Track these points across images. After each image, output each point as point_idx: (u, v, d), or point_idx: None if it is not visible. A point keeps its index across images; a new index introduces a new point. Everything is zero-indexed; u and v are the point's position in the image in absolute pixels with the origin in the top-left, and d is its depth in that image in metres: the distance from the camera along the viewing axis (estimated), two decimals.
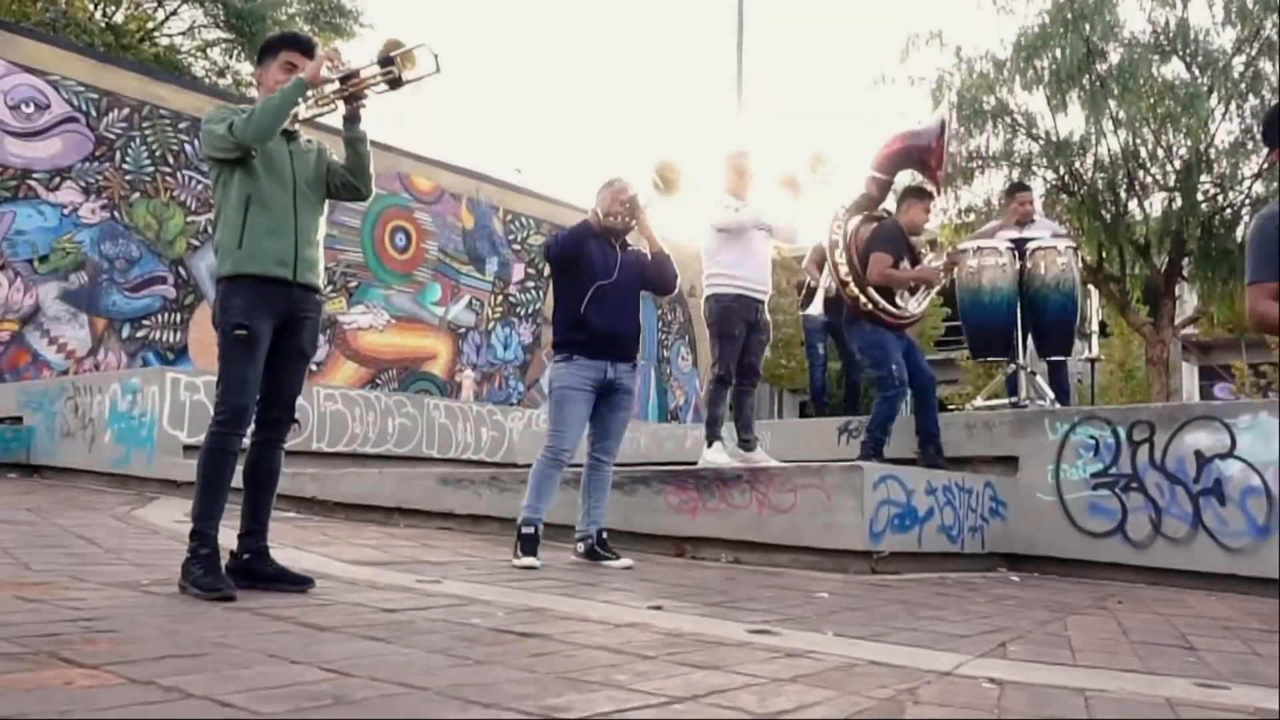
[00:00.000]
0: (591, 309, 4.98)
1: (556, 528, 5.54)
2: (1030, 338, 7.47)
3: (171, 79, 15.20)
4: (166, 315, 13.53)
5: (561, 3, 72.09)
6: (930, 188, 6.76)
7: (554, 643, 2.83)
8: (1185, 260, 14.50)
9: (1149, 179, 14.32)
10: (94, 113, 13.08)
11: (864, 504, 5.08)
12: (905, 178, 8.19)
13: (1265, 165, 13.35)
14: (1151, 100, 13.17)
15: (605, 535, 5.15)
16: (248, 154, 3.51)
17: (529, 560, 4.74)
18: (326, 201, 3.83)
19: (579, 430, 5.05)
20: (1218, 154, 13.70)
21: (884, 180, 6.89)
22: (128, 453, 8.94)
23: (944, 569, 5.59)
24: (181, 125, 13.80)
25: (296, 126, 3.69)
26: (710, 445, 6.28)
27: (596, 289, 5.00)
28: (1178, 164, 13.97)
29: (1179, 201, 13.76)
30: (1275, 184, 12.78)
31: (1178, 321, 15.19)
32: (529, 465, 5.20)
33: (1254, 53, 13.42)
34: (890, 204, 7.23)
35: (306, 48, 3.73)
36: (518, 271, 18.04)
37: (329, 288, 14.81)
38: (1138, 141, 13.88)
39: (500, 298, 17.53)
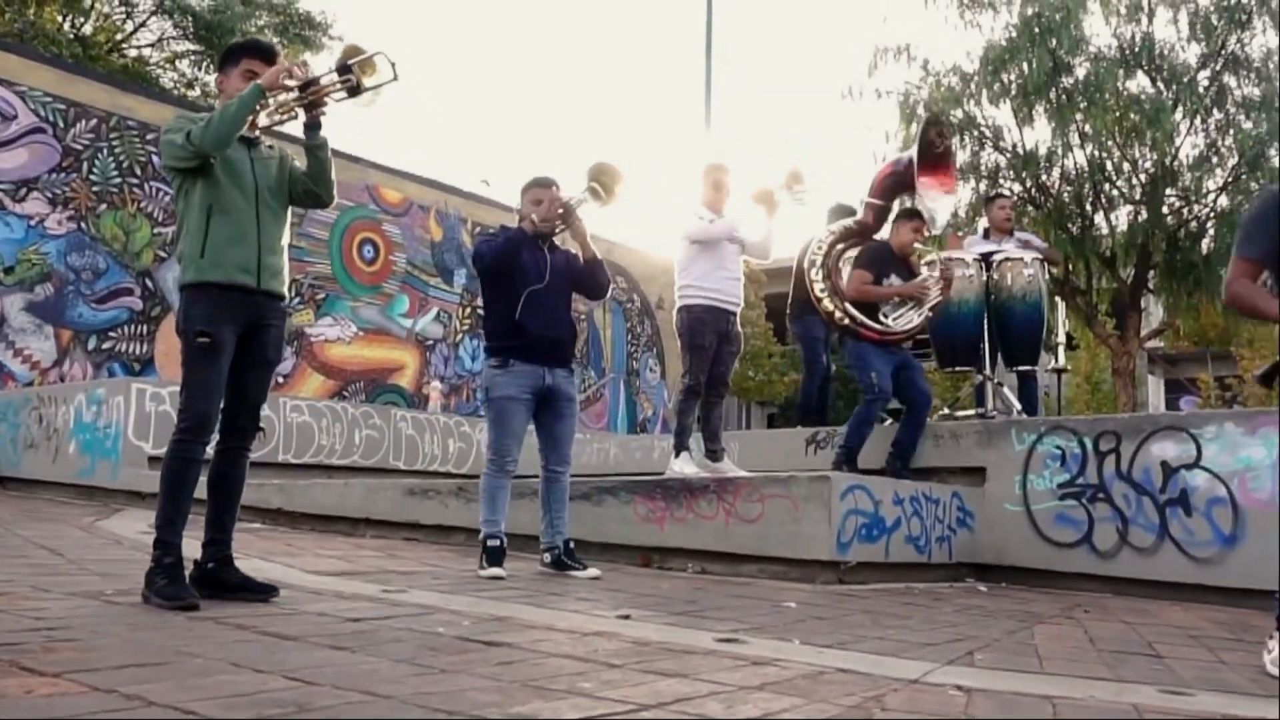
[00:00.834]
0: (526, 314, 4.90)
1: (524, 538, 5.52)
2: (998, 349, 7.52)
3: (140, 90, 15.09)
4: (133, 327, 13.40)
5: (530, 17, 72.23)
6: (923, 206, 6.72)
7: (520, 651, 2.82)
8: (1151, 273, 14.65)
9: (1115, 192, 14.47)
10: (61, 124, 12.96)
11: (831, 514, 5.08)
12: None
13: (1230, 179, 13.55)
14: (1117, 114, 13.31)
15: (572, 545, 5.11)
16: (207, 162, 3.49)
17: (495, 570, 4.71)
18: (290, 209, 3.81)
19: (521, 438, 4.98)
20: (1182, 168, 13.86)
21: (879, 205, 6.90)
22: (93, 464, 8.85)
23: (911, 579, 5.59)
24: (149, 136, 13.67)
25: (257, 134, 3.67)
26: (678, 455, 6.28)
27: (529, 294, 4.92)
28: (1143, 177, 14.13)
29: (1145, 214, 13.91)
30: (1240, 198, 12.98)
31: (1144, 334, 15.34)
32: None
33: (1218, 68, 13.60)
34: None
35: (268, 55, 3.71)
36: None
37: (296, 299, 14.72)
38: (1104, 155, 14.02)
39: (468, 310, 17.47)
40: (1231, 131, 13.36)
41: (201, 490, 3.57)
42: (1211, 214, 13.99)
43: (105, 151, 13.36)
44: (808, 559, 5.15)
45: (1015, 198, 13.00)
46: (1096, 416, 6.64)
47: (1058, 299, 9.02)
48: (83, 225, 13.00)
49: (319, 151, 3.72)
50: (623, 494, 5.83)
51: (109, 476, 8.62)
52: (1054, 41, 13.40)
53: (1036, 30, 13.46)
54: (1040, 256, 7.66)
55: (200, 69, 22.39)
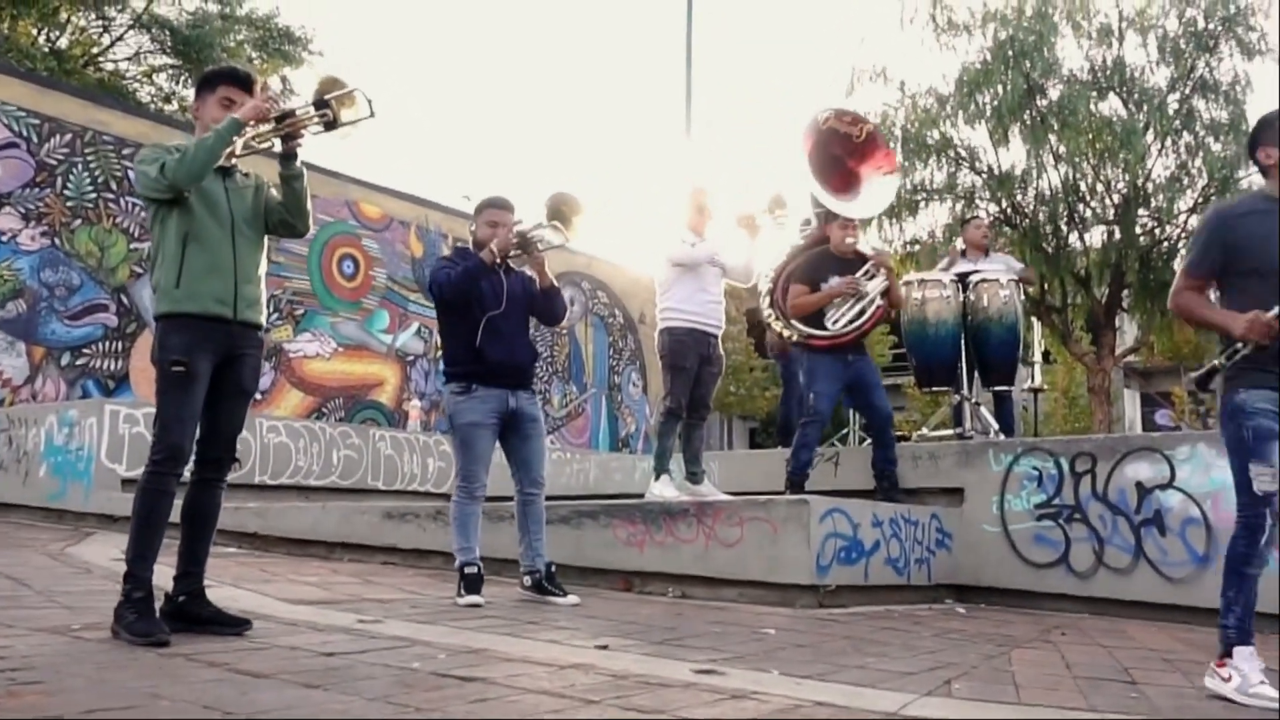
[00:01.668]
0: (487, 341, 4.86)
1: (502, 562, 5.49)
2: (975, 369, 7.56)
3: (115, 104, 14.98)
4: (107, 344, 13.27)
5: (511, 32, 72.34)
6: (838, 206, 6.69)
7: (496, 687, 2.79)
8: (1125, 292, 14.79)
9: (1089, 212, 14.64)
10: (35, 138, 12.85)
11: (810, 538, 5.08)
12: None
13: (1201, 200, 13.71)
14: (1090, 136, 13.49)
15: (554, 568, 5.07)
16: (182, 194, 3.46)
17: (473, 599, 4.67)
18: (266, 236, 3.78)
19: (488, 462, 4.95)
20: (1154, 188, 14.04)
21: (821, 213, 6.94)
22: (64, 487, 8.74)
23: (890, 601, 5.60)
24: (125, 151, 13.58)
25: (233, 162, 3.64)
26: (658, 478, 6.26)
27: (488, 320, 4.88)
28: (1116, 198, 14.32)
29: (1118, 234, 14.06)
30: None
31: (1118, 351, 15.47)
32: None
33: (1187, 91, 13.81)
34: None
35: (245, 82, 3.68)
36: None
37: (275, 315, 14.64)
38: (1077, 176, 14.20)
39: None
40: (1201, 153, 13.56)
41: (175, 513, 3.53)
42: (1183, 234, 14.17)
43: (80, 166, 13.25)
44: (787, 583, 5.14)
45: (991, 218, 13.13)
46: (1072, 438, 6.66)
47: (1033, 319, 9.08)
48: (56, 241, 12.88)
49: (295, 182, 3.70)
50: (602, 517, 5.80)
51: (80, 499, 8.52)
52: (1027, 65, 13.60)
53: (1010, 54, 13.65)
54: (1016, 277, 7.71)
55: (178, 83, 22.25)
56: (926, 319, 7.37)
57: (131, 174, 13.40)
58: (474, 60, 74.04)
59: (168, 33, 21.12)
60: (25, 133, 12.76)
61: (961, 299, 7.45)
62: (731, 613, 4.86)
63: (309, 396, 15.34)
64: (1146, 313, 14.66)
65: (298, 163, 3.69)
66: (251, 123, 3.49)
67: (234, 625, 3.51)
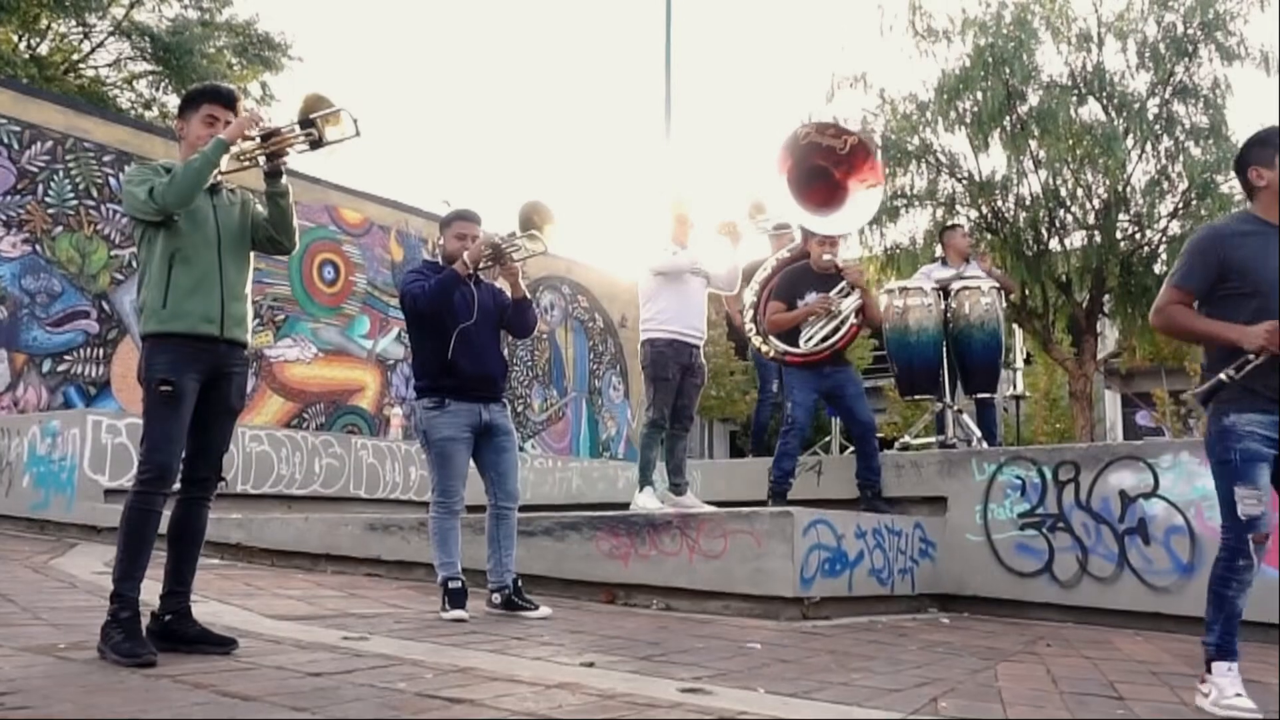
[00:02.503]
0: (458, 353, 4.86)
1: (481, 573, 5.48)
2: (957, 377, 7.58)
3: (96, 111, 14.90)
4: (89, 350, 13.18)
5: (489, 38, 72.27)
6: (816, 223, 6.70)
7: (483, 709, 2.79)
8: (1106, 296, 14.87)
9: (1069, 217, 14.70)
10: (16, 145, 12.77)
11: (794, 550, 5.09)
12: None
13: (1181, 205, 13.79)
14: (1070, 141, 13.54)
15: (520, 583, 5.05)
16: (171, 217, 3.45)
17: (457, 613, 4.67)
18: (252, 254, 3.77)
19: (465, 476, 4.95)
20: (1134, 193, 14.12)
21: (804, 229, 6.96)
22: (47, 497, 8.69)
23: (875, 612, 5.61)
24: (106, 158, 13.51)
25: (219, 179, 3.63)
26: (642, 490, 6.28)
27: (460, 332, 4.88)
28: (1097, 203, 14.38)
29: (1099, 239, 14.13)
30: (1190, 223, 13.23)
31: (1100, 356, 15.56)
32: None
33: (1167, 95, 13.90)
34: None
35: (228, 100, 3.68)
36: None
37: (256, 321, 14.57)
38: (1058, 181, 14.25)
39: None
40: (1181, 158, 13.64)
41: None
42: (1163, 239, 14.25)
43: (61, 173, 13.17)
44: (771, 595, 5.15)
45: (971, 224, 13.18)
46: (1055, 446, 6.69)
47: (1015, 325, 9.12)
48: (38, 248, 12.80)
49: (280, 199, 3.70)
50: (586, 530, 5.80)
51: (63, 510, 8.48)
52: (1007, 71, 13.65)
53: (990, 60, 13.70)
54: (998, 285, 7.74)
55: (158, 90, 22.17)
56: (908, 327, 7.39)
57: (114, 180, 13.36)
58: (454, 63, 73.92)
59: (148, 39, 21.03)
60: (6, 140, 12.67)
61: (943, 306, 7.48)
62: (716, 626, 4.87)
63: (290, 402, 15.28)
64: (1127, 317, 14.74)
65: (283, 180, 3.69)
66: (237, 142, 3.49)
67: (220, 644, 3.51)
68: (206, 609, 4.41)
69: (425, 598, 5.40)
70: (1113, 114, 13.96)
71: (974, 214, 14.85)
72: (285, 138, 3.61)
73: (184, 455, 3.52)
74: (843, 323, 6.36)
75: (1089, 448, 6.18)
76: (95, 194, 13.43)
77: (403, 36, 70.17)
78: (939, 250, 8.74)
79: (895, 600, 5.86)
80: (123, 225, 13.34)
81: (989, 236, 14.64)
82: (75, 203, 13.24)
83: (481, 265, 4.97)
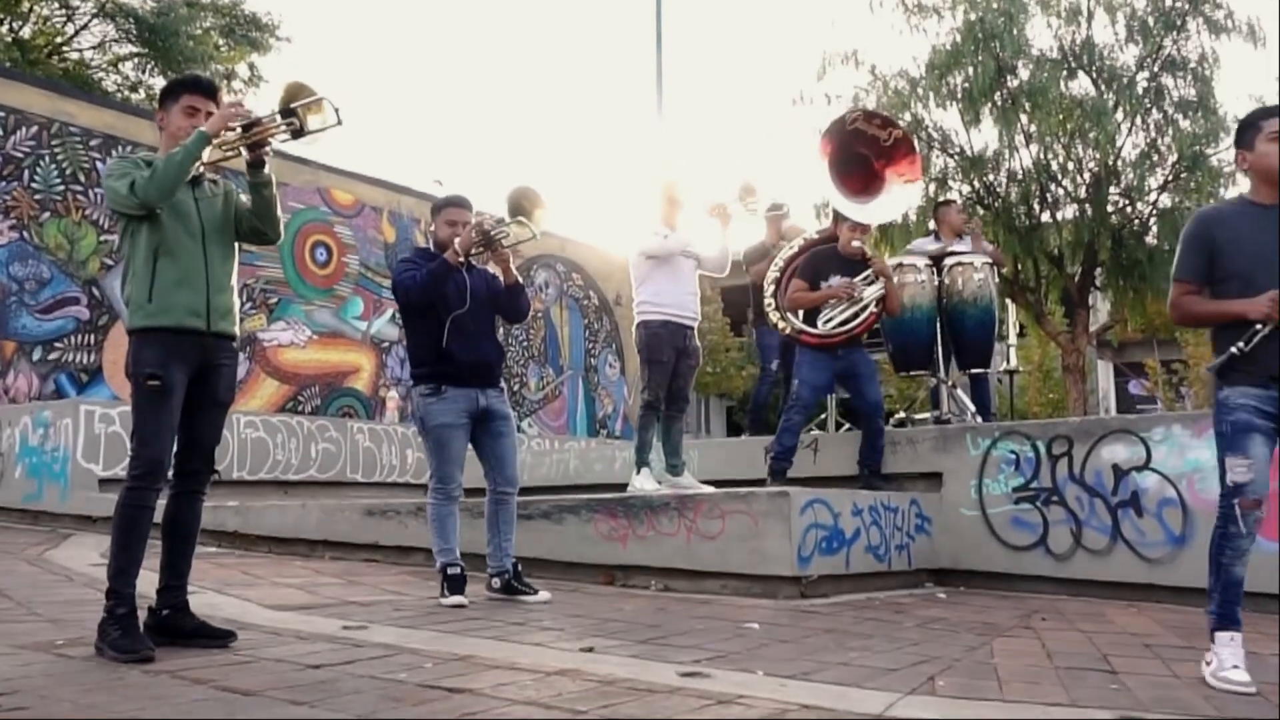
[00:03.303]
0: (453, 341, 4.86)
1: (480, 557, 5.49)
2: (951, 352, 7.60)
3: (81, 95, 14.79)
4: (80, 336, 13.14)
5: (478, 15, 71.82)
6: (851, 209, 6.73)
7: (483, 699, 2.79)
8: (1097, 270, 14.90)
9: (1060, 191, 14.72)
10: (1, 131, 12.69)
11: (791, 529, 5.11)
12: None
13: (1171, 178, 13.82)
14: (1061, 115, 13.55)
15: (520, 567, 5.06)
16: (153, 212, 3.43)
17: (456, 599, 4.69)
18: (237, 245, 3.75)
19: (462, 462, 4.96)
20: (1125, 166, 14.12)
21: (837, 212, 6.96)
22: (40, 488, 8.69)
23: (872, 588, 5.64)
24: (92, 142, 13.43)
25: (201, 170, 3.60)
26: (639, 471, 6.29)
27: (453, 319, 4.87)
28: (1087, 176, 14.40)
29: (1090, 213, 14.15)
30: (1179, 198, 13.26)
31: (1092, 329, 15.60)
32: None
33: (1156, 69, 13.90)
34: None
35: (208, 91, 3.65)
36: None
37: (248, 304, 14.54)
38: (1049, 155, 14.28)
39: None
40: (1170, 131, 13.65)
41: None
42: (1154, 211, 14.28)
43: (47, 159, 13.09)
44: (769, 574, 5.17)
45: (963, 199, 13.18)
46: (1049, 421, 6.71)
47: (1008, 300, 9.13)
48: (25, 234, 12.73)
49: (264, 190, 3.68)
50: (584, 512, 5.82)
51: (57, 500, 8.48)
52: (997, 45, 13.64)
53: (980, 35, 13.69)
54: (990, 260, 7.74)
55: (144, 72, 22.00)
56: (902, 303, 7.38)
57: (100, 165, 13.28)
58: (444, 42, 73.49)
59: (132, 21, 20.84)
60: None
61: (936, 282, 7.49)
62: (714, 606, 4.89)
63: (285, 385, 15.25)
64: (1119, 290, 14.78)
65: (266, 171, 3.67)
66: (219, 133, 3.47)
67: (219, 638, 3.51)
68: (204, 600, 4.42)
69: (424, 583, 5.41)
70: (1102, 88, 13.96)
71: (966, 189, 14.86)
72: (266, 128, 3.58)
73: (175, 449, 3.51)
74: (863, 309, 6.37)
75: (1082, 422, 6.21)
76: (82, 179, 13.35)
77: (391, 15, 69.74)
78: (932, 224, 8.73)
79: (892, 576, 5.89)
80: (111, 211, 13.26)
81: (981, 211, 14.65)
82: (62, 188, 13.17)
83: (473, 252, 4.96)
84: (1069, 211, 14.80)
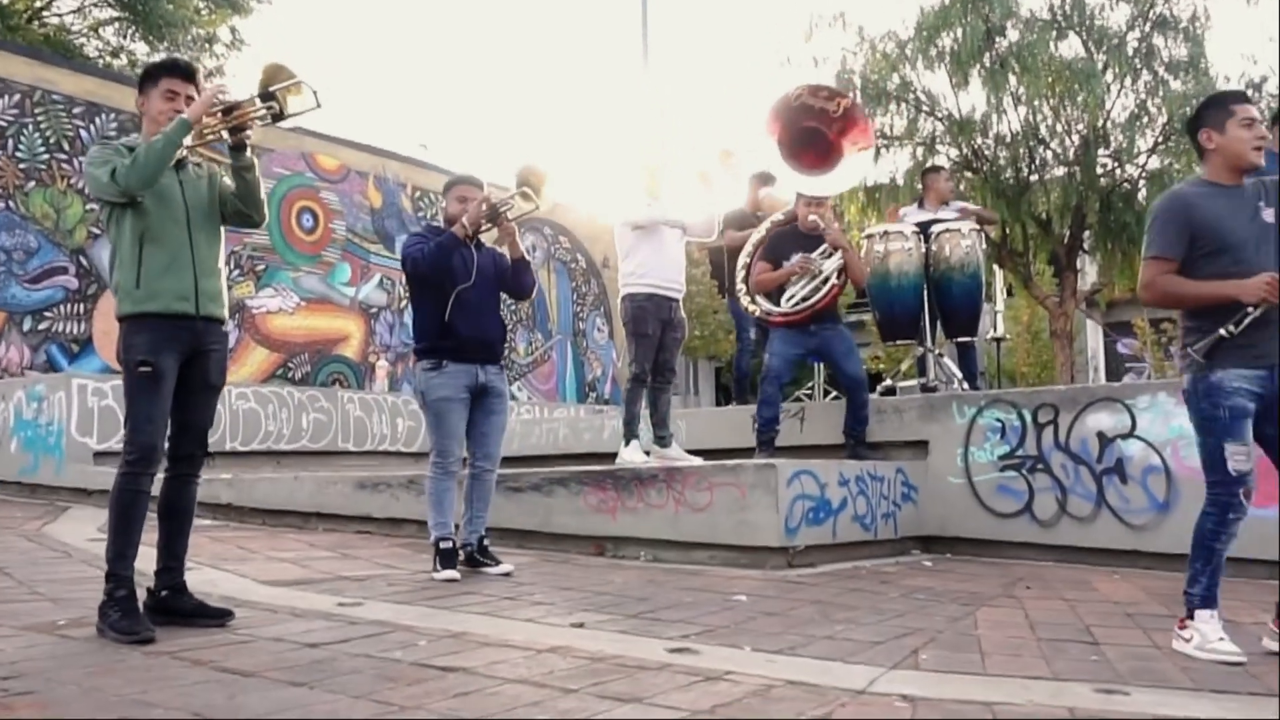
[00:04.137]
0: (456, 316, 4.93)
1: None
2: (938, 320, 7.65)
3: (63, 62, 14.65)
4: (69, 306, 13.11)
5: None
6: (804, 184, 6.71)
7: (476, 678, 2.86)
8: (1086, 233, 14.93)
9: (1049, 154, 14.71)
10: None
11: (779, 501, 5.18)
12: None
13: (1160, 139, 13.82)
14: (1050, 78, 13.51)
15: (486, 541, 5.14)
16: (135, 199, 3.45)
17: (449, 574, 4.76)
18: (223, 228, 3.77)
19: (462, 436, 5.02)
20: (1114, 129, 14.11)
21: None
22: (35, 461, 8.73)
23: (859, 557, 5.71)
24: (76, 110, 13.34)
25: (184, 154, 3.62)
26: (627, 444, 6.35)
27: (458, 294, 4.94)
28: (1076, 139, 14.38)
29: (1078, 176, 14.15)
30: (1169, 160, 13.25)
31: (1081, 291, 15.66)
32: None
33: (1147, 28, 13.83)
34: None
35: (186, 73, 3.66)
36: None
37: (235, 271, 14.51)
38: (1037, 118, 14.26)
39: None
40: (1160, 92, 13.63)
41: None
42: (1143, 174, 14.28)
43: (31, 127, 13.00)
44: (757, 545, 5.24)
45: (951, 163, 13.17)
46: (1034, 389, 6.77)
47: (995, 265, 9.17)
48: (11, 204, 12.67)
49: (247, 173, 3.70)
50: (573, 485, 5.88)
51: (53, 473, 8.53)
52: (986, 7, 13.58)
53: None
54: (978, 227, 7.76)
55: (125, 37, 21.75)
56: (889, 271, 7.42)
57: (84, 133, 13.20)
58: (427, 2, 72.69)
59: None
60: None
61: (923, 250, 7.51)
62: (703, 577, 4.96)
63: (274, 353, 15.25)
64: (1107, 253, 14.82)
65: (248, 153, 3.69)
66: (200, 119, 3.48)
67: (217, 617, 3.58)
68: (202, 576, 4.49)
69: (417, 556, 5.48)
70: (1092, 49, 13.92)
71: (954, 153, 14.86)
72: (247, 112, 3.60)
73: (168, 434, 3.55)
74: (824, 283, 6.40)
75: (1067, 390, 6.27)
76: (66, 147, 13.27)
77: None
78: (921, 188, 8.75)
79: (879, 545, 5.96)
80: (94, 198, 13.17)
81: (969, 175, 14.66)
82: (46, 157, 13.09)
83: (483, 228, 5.04)
84: (1057, 174, 14.81)
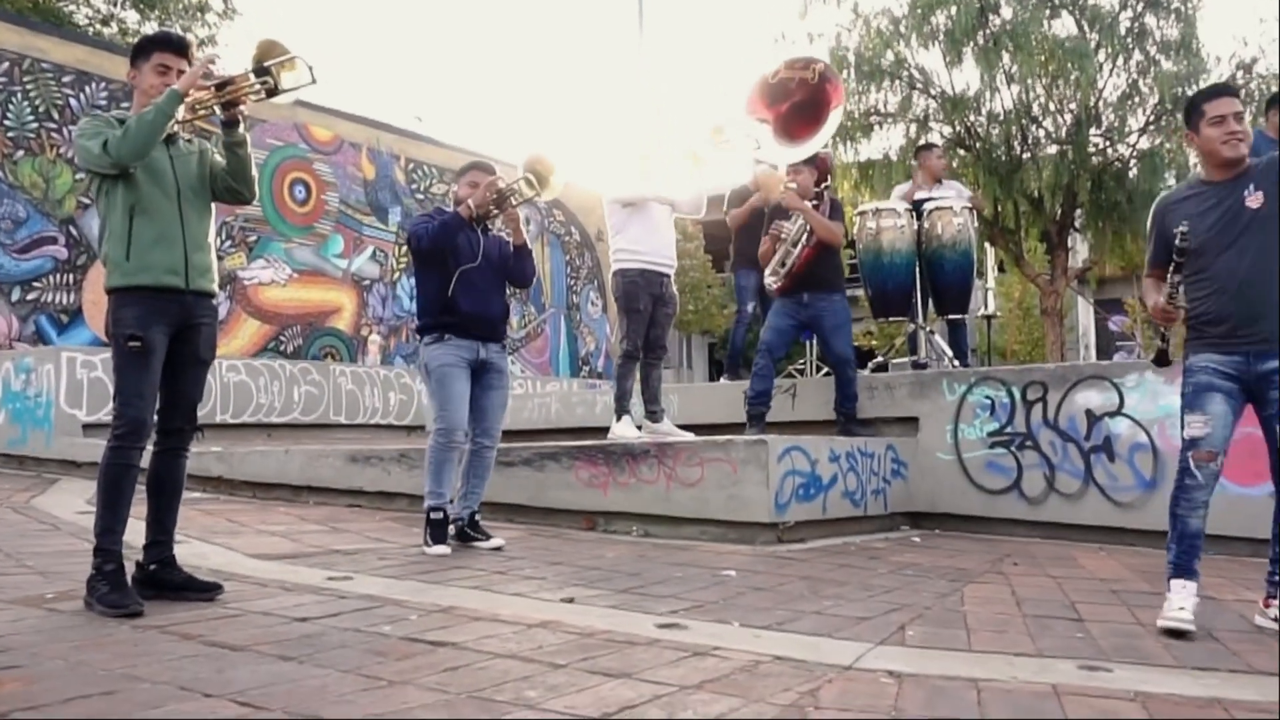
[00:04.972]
0: (459, 292, 4.98)
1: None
2: (929, 297, 7.65)
3: (52, 30, 14.52)
4: (58, 276, 13.05)
5: None
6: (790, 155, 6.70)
7: (466, 653, 2.87)
8: (1077, 211, 14.94)
9: (1041, 133, 14.72)
10: None
11: (769, 477, 5.20)
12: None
13: (1152, 119, 13.81)
14: (1043, 56, 13.51)
15: (478, 516, 5.17)
16: (126, 171, 3.43)
17: (440, 549, 4.78)
18: (213, 203, 3.75)
19: (464, 405, 5.03)
20: (1106, 108, 14.12)
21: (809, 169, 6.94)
22: (24, 433, 8.73)
23: (848, 532, 5.74)
24: (65, 79, 13.23)
25: (176, 128, 3.59)
26: (619, 419, 6.36)
27: (462, 273, 4.99)
28: (1068, 118, 14.39)
29: (1070, 154, 14.15)
30: (1160, 139, 13.26)
31: (1072, 270, 15.70)
32: None
33: (1139, 8, 13.82)
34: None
35: (179, 47, 3.63)
36: None
37: (227, 242, 14.46)
38: (1030, 96, 14.27)
39: (404, 248, 17.25)
40: (1152, 72, 13.64)
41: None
42: (1134, 153, 14.29)
43: (19, 96, 12.89)
44: (747, 521, 5.27)
45: (944, 141, 13.15)
46: (1024, 367, 6.79)
47: (987, 243, 9.18)
48: (0, 173, 12.60)
49: (238, 149, 3.67)
50: (565, 459, 5.89)
51: (42, 445, 8.52)
52: None
53: None
54: (970, 205, 7.76)
55: (115, 4, 21.55)
56: (881, 249, 7.43)
57: (74, 102, 13.10)
58: None
59: None
60: None
61: (915, 227, 7.51)
62: (693, 552, 4.98)
63: (266, 325, 15.21)
64: (1098, 231, 14.86)
65: (240, 129, 3.66)
66: (191, 92, 3.46)
67: (205, 591, 3.57)
68: (191, 550, 4.49)
69: (408, 529, 5.50)
70: (1085, 27, 13.90)
71: (947, 130, 14.85)
72: (240, 86, 3.57)
73: (158, 408, 3.54)
74: (794, 245, 6.41)
75: (1056, 368, 6.30)
76: (56, 116, 13.17)
77: None
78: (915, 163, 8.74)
79: (868, 520, 5.99)
80: (84, 170, 13.07)
81: (961, 152, 14.65)
82: (36, 125, 12.99)
83: (491, 213, 5.10)
84: (1050, 152, 14.81)
